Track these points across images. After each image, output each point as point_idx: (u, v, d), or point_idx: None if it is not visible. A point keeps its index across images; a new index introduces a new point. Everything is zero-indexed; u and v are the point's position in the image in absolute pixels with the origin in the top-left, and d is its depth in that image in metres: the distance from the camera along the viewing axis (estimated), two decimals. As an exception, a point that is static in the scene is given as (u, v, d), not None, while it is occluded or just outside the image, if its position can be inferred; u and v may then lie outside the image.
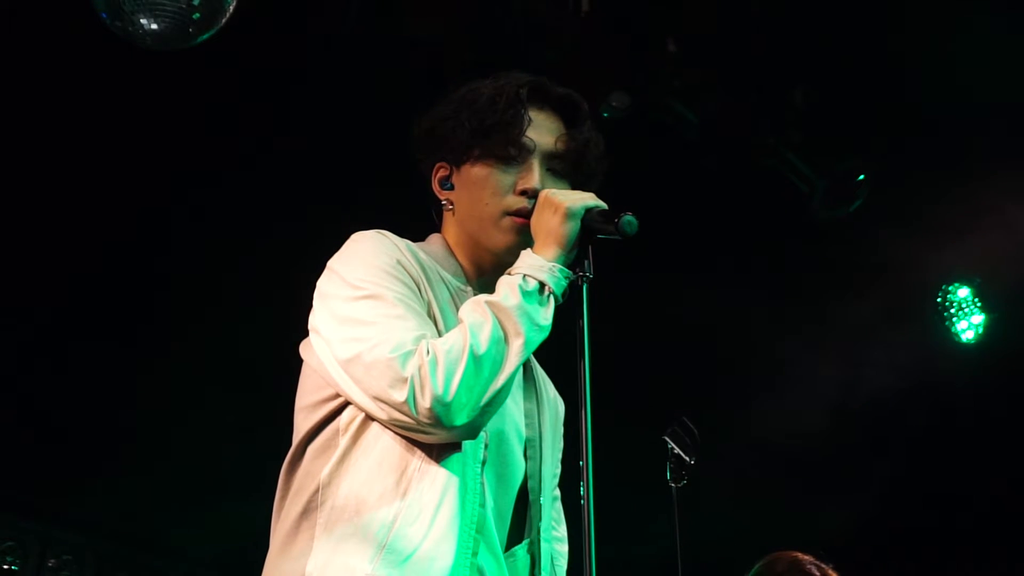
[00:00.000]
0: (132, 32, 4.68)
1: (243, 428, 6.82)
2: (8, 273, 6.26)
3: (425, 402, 2.42)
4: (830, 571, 4.32)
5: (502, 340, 2.51)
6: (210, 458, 7.15)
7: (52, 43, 5.49)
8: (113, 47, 4.87)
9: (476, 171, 2.87)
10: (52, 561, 7.39)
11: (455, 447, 2.56)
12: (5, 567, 7.18)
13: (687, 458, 4.59)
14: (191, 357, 6.87)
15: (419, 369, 2.43)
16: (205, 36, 4.76)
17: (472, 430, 2.52)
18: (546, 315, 2.59)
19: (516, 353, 2.52)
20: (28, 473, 7.10)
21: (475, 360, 2.45)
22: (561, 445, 3.09)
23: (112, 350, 6.77)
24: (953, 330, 7.60)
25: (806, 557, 4.36)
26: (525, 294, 2.57)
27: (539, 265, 2.62)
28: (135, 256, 6.46)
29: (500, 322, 2.53)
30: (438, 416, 2.43)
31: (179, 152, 5.99)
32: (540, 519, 2.82)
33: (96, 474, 7.09)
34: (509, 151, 2.84)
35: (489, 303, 2.57)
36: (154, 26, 4.64)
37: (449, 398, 2.42)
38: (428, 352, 2.45)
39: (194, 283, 6.60)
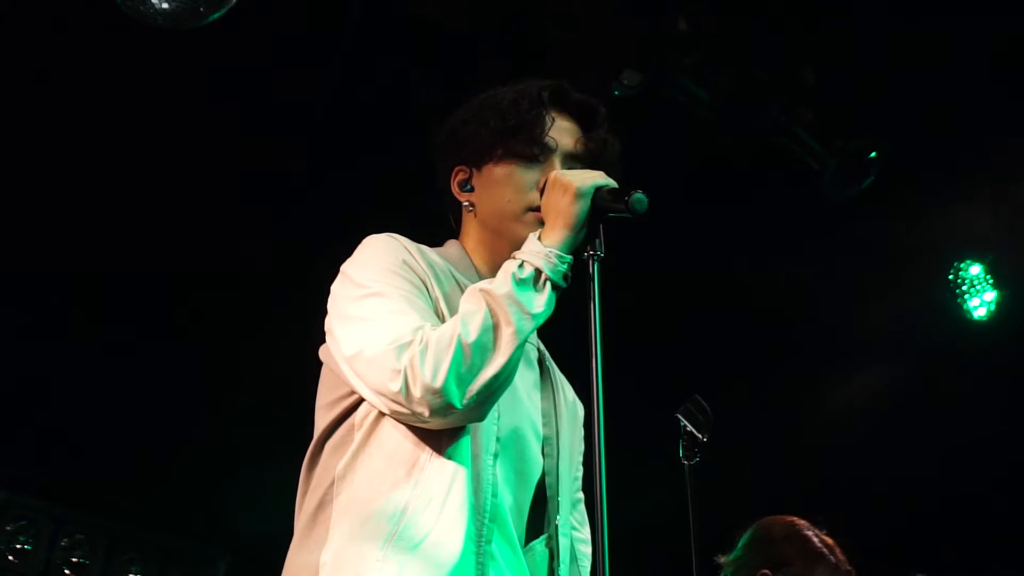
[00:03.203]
0: (143, 11, 4.69)
1: (257, 411, 6.85)
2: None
3: (416, 391, 2.48)
4: (824, 536, 4.36)
5: (491, 329, 2.54)
6: (224, 440, 7.17)
7: (63, 24, 5.50)
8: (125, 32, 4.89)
9: (498, 170, 2.94)
10: (64, 540, 7.40)
11: (466, 439, 2.62)
12: (17, 547, 7.19)
13: (700, 435, 4.59)
14: (201, 341, 6.90)
15: (411, 360, 2.49)
16: (216, 15, 4.77)
17: (470, 416, 2.57)
18: (539, 303, 2.61)
19: (507, 341, 2.54)
20: (40, 453, 7.11)
21: (462, 348, 2.49)
22: (582, 448, 3.13)
23: (123, 332, 6.78)
24: (965, 307, 7.58)
25: (801, 522, 4.40)
26: (518, 282, 2.60)
27: (537, 251, 2.65)
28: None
29: (492, 310, 2.56)
30: (430, 404, 2.49)
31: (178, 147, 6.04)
32: (558, 514, 2.87)
33: (108, 454, 7.11)
34: (532, 150, 2.90)
35: (483, 290, 2.60)
36: (165, 5, 4.65)
37: (437, 385, 2.47)
38: (421, 342, 2.51)
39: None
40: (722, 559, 4.47)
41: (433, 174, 3.15)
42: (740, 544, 4.45)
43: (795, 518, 4.44)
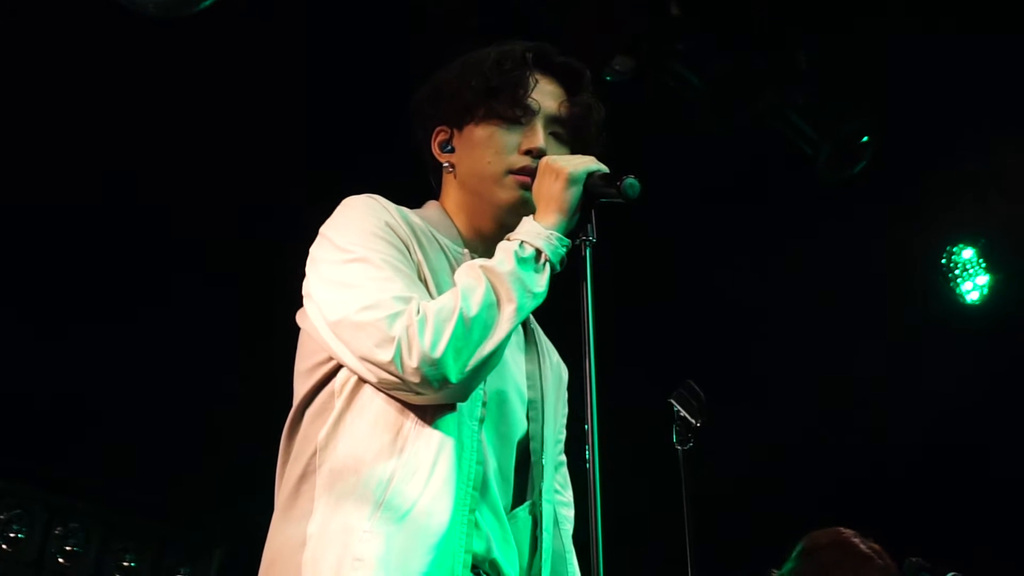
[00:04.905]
0: (135, -1, 4.66)
1: (252, 401, 6.84)
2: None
3: (412, 362, 2.46)
4: (872, 543, 4.37)
5: (494, 305, 2.54)
6: (219, 429, 7.16)
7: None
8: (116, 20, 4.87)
9: (479, 131, 2.90)
10: (58, 529, 7.39)
11: (451, 405, 2.59)
12: (11, 535, 7.18)
13: (693, 421, 4.59)
14: (197, 333, 6.90)
15: (407, 329, 2.47)
16: (208, 2, 4.74)
17: (461, 392, 2.56)
18: (540, 282, 2.62)
19: (508, 319, 2.55)
20: (34, 441, 7.11)
21: (464, 322, 2.49)
22: (565, 411, 3.13)
23: (119, 323, 6.77)
24: (958, 291, 7.58)
25: (847, 530, 4.41)
26: (520, 260, 2.60)
27: (537, 232, 2.65)
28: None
29: (493, 287, 2.56)
30: (425, 375, 2.47)
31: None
32: (542, 479, 2.85)
33: (105, 442, 7.10)
34: (515, 112, 2.87)
35: (484, 267, 2.60)
36: (156, -8, 4.63)
37: (436, 356, 2.45)
38: (418, 312, 2.49)
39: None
40: (775, 573, 4.49)
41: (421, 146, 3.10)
42: (791, 557, 4.47)
43: (841, 528, 4.46)
